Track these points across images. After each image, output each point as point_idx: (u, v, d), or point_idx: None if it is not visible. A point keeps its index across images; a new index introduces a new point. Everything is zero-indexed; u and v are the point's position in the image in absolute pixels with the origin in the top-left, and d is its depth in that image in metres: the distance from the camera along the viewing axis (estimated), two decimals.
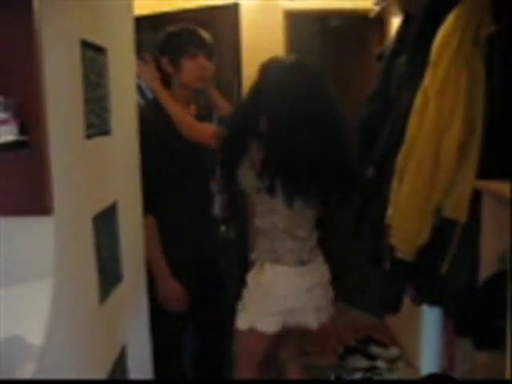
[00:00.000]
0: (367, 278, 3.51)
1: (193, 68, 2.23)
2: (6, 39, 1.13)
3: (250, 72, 2.25)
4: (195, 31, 2.28)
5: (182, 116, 2.18)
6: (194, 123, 2.20)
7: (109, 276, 1.55)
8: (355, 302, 4.17)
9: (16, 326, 1.15)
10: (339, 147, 2.07)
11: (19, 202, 1.16)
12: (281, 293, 2.05)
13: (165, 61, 2.25)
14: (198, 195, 2.34)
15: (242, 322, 2.10)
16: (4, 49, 1.14)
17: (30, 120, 1.12)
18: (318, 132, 1.96)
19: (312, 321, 2.13)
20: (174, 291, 2.19)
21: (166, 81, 2.26)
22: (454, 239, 1.88)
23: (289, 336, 2.25)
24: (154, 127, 2.16)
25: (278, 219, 2.05)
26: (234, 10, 3.48)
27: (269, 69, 2.03)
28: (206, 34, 2.29)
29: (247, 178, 2.02)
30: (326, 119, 2.01)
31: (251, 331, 2.07)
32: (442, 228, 1.93)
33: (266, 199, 2.02)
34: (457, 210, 1.89)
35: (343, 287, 4.21)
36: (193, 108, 2.36)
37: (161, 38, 2.28)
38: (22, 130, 1.12)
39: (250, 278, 2.14)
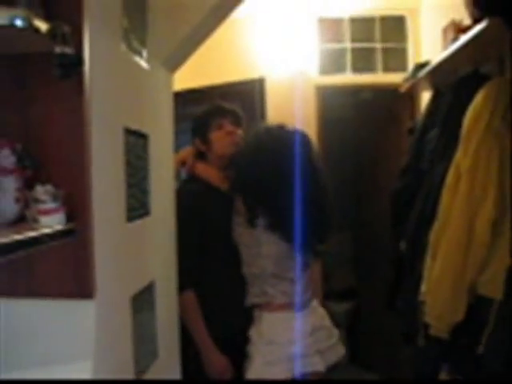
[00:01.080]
0: (401, 350, 3.43)
1: (220, 136, 2.31)
2: (57, 131, 1.22)
3: None
4: (218, 105, 2.41)
5: None
6: None
7: (145, 354, 1.57)
8: (388, 375, 4.06)
9: None
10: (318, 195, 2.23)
11: (64, 286, 1.21)
12: (282, 340, 2.07)
13: (197, 142, 2.36)
14: (234, 264, 2.29)
15: (251, 375, 2.07)
16: (55, 140, 1.22)
17: (77, 208, 1.18)
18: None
19: (317, 364, 2.11)
20: (219, 364, 2.15)
21: (202, 158, 2.36)
22: (491, 318, 1.85)
23: None
24: (193, 199, 2.21)
25: (266, 263, 2.13)
26: (259, 84, 3.65)
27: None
28: (230, 105, 2.42)
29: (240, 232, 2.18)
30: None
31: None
32: (478, 306, 1.91)
33: (254, 244, 2.13)
34: (492, 288, 1.86)
35: (376, 359, 4.16)
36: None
37: (192, 121, 2.42)
38: (69, 217, 1.17)
39: (253, 331, 2.16)
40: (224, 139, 2.32)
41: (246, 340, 2.19)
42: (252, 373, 2.07)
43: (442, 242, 2.03)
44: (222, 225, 2.23)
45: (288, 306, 2.13)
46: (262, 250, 2.12)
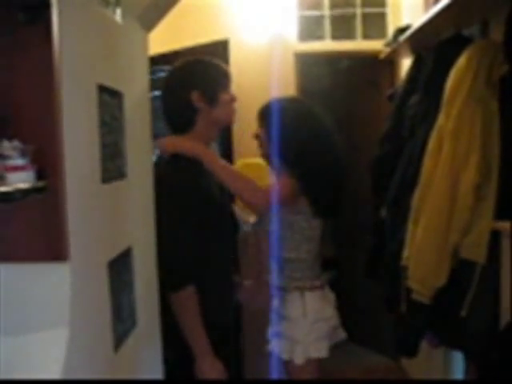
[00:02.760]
0: (382, 319, 3.45)
1: (227, 100, 2.02)
2: (24, 85, 1.14)
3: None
4: (220, 63, 2.08)
5: (245, 181, 2.00)
6: (256, 188, 2.00)
7: (123, 323, 1.52)
8: (370, 344, 4.09)
9: (31, 375, 1.12)
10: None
11: (35, 249, 1.15)
12: (327, 315, 2.16)
13: (195, 96, 1.95)
14: (228, 258, 2.11)
15: (298, 355, 2.10)
16: (22, 94, 1.14)
17: (48, 166, 1.11)
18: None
19: (341, 333, 2.25)
20: (215, 372, 1.89)
21: (187, 120, 1.99)
22: (473, 281, 1.85)
23: None
24: (190, 180, 1.90)
25: (313, 246, 2.19)
26: (222, 46, 3.48)
27: (286, 110, 2.11)
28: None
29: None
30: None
31: (308, 363, 2.10)
32: (461, 270, 1.90)
33: (305, 228, 2.14)
34: (475, 252, 1.86)
35: (357, 329, 4.18)
36: (214, 146, 2.23)
37: (186, 72, 2.02)
38: (39, 175, 1.11)
39: (294, 314, 2.14)
40: (230, 104, 2.03)
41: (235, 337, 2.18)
42: (299, 355, 2.10)
43: (425, 207, 2.01)
44: (222, 210, 2.04)
45: (322, 284, 2.22)
46: (308, 234, 2.16)
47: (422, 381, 3.21)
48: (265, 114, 2.18)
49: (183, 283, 1.84)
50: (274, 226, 2.11)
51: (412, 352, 2.23)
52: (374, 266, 2.73)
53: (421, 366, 3.25)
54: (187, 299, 1.85)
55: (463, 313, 1.86)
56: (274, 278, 2.20)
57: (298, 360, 2.10)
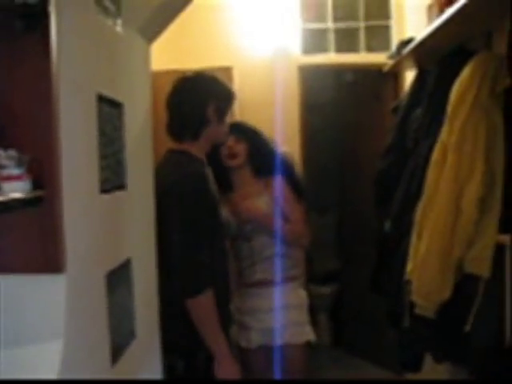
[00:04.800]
0: (386, 333, 3.41)
1: (227, 121, 2.09)
2: (21, 93, 1.13)
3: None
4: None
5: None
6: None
7: (122, 335, 1.50)
8: (373, 358, 4.05)
9: None
10: None
11: (31, 260, 1.13)
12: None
13: (211, 109, 1.99)
14: (226, 261, 2.13)
15: (301, 336, 2.39)
16: (19, 103, 1.13)
17: (45, 175, 1.10)
18: None
19: None
20: (234, 373, 1.94)
21: (195, 131, 2.00)
22: (478, 295, 1.82)
23: None
24: (204, 181, 1.94)
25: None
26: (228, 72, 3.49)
27: None
28: None
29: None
30: None
31: (307, 344, 2.40)
32: (465, 284, 1.87)
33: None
34: (479, 265, 1.83)
35: (360, 343, 4.14)
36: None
37: (204, 84, 2.04)
38: (36, 185, 1.09)
39: (298, 296, 2.46)
40: (227, 127, 2.11)
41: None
42: (302, 336, 2.39)
43: (428, 220, 1.99)
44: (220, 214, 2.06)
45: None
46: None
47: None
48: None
49: (203, 287, 1.85)
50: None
51: (416, 367, 2.20)
52: (377, 279, 2.70)
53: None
54: (207, 303, 1.87)
55: (467, 327, 1.83)
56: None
57: (298, 340, 2.38)
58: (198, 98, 1.99)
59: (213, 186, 1.99)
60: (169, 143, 2.06)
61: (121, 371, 1.49)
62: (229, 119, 2.10)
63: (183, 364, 1.94)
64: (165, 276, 1.89)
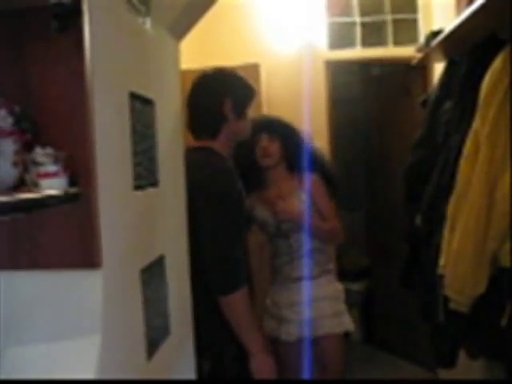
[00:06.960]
0: (418, 329, 3.38)
1: (248, 117, 2.08)
2: (57, 92, 1.15)
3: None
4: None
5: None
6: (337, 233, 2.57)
7: (157, 331, 1.51)
8: (405, 355, 4.01)
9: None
10: None
11: (68, 256, 1.15)
12: None
13: (228, 105, 1.99)
14: (249, 257, 2.12)
15: (341, 327, 2.50)
16: (55, 101, 1.15)
17: (80, 172, 1.12)
18: None
19: None
20: (270, 368, 1.94)
21: (214, 127, 2.02)
22: None
23: None
24: (236, 179, 1.96)
25: None
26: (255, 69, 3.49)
27: None
28: None
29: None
30: None
31: (345, 335, 2.52)
32: (500, 278, 1.84)
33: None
34: None
35: (393, 340, 4.11)
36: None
37: (221, 81, 2.05)
38: (72, 182, 1.11)
39: (335, 288, 2.60)
40: (248, 123, 2.11)
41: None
42: (343, 326, 2.51)
43: (461, 213, 1.96)
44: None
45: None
46: None
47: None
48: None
49: (240, 284, 1.86)
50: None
51: (450, 363, 2.17)
52: (409, 275, 2.67)
53: (459, 378, 3.17)
54: (243, 299, 1.87)
55: (503, 322, 1.80)
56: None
57: (339, 330, 2.50)
58: (214, 95, 2.00)
59: (239, 182, 1.99)
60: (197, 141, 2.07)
61: (156, 366, 1.51)
62: (251, 115, 2.10)
63: (209, 365, 1.93)
64: (193, 276, 1.89)
